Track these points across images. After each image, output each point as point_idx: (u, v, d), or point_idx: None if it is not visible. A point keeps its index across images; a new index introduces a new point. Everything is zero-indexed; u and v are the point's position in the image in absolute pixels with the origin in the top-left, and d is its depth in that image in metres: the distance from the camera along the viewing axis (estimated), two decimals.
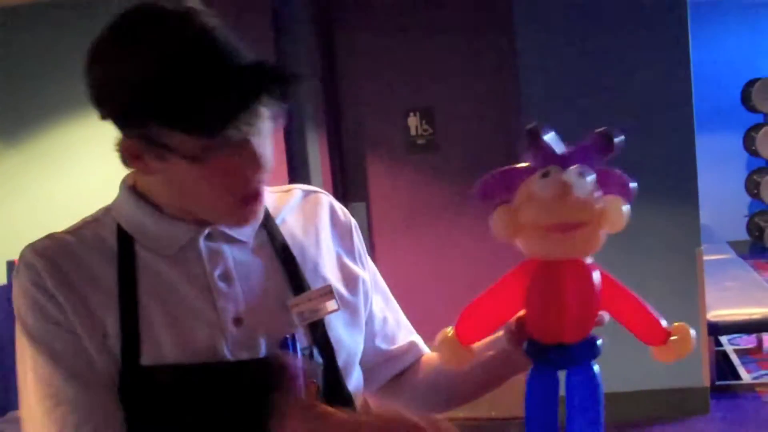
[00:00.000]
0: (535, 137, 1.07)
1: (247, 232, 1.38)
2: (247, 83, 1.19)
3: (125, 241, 1.33)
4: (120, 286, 1.29)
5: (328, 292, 1.37)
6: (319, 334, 1.36)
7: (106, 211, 1.39)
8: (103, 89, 1.26)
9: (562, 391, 1.13)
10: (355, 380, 1.44)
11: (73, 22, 6.18)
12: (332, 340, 1.38)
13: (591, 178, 1.07)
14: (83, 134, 6.24)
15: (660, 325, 1.15)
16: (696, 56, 5.15)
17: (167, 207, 1.33)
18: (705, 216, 5.30)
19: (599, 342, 1.13)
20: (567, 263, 1.09)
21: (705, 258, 5.16)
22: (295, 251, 1.41)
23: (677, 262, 5.07)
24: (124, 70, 1.22)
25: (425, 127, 5.63)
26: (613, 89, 5.08)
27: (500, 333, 1.31)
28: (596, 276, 1.11)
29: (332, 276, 1.43)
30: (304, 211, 1.49)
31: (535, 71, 5.13)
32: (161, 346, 1.27)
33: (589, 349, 1.13)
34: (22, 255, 1.32)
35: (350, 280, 1.47)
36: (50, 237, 1.36)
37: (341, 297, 1.41)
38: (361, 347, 1.47)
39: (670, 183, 5.03)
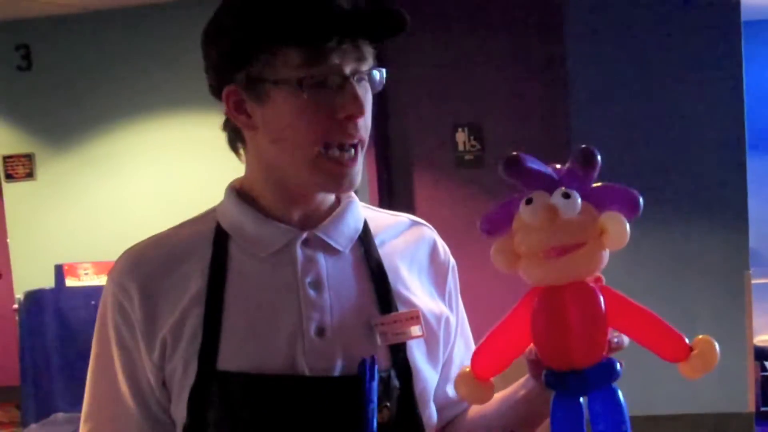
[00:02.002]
0: (514, 166, 1.06)
1: (344, 241, 1.37)
2: (350, 10, 1.22)
3: (221, 240, 1.34)
4: (209, 282, 1.30)
5: (415, 317, 1.35)
6: (399, 358, 1.34)
7: (210, 211, 1.40)
8: (212, 38, 1.29)
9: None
10: (428, 413, 1.40)
11: (126, 28, 6.26)
12: (411, 367, 1.35)
13: (576, 198, 1.06)
14: (133, 140, 6.32)
15: (679, 339, 1.10)
16: (749, 74, 5.09)
17: (270, 207, 1.34)
18: (754, 239, 5.23)
19: (617, 365, 1.10)
20: (567, 287, 1.07)
21: (753, 281, 5.09)
22: (388, 273, 1.39)
23: (725, 285, 5.01)
24: (232, 8, 1.27)
25: (473, 142, 5.62)
26: (663, 107, 5.04)
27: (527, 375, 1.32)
28: (599, 296, 1.08)
29: (420, 305, 1.40)
30: (406, 239, 1.47)
31: (585, 89, 5.10)
32: (240, 348, 1.27)
33: (606, 372, 1.10)
34: (120, 258, 1.35)
35: (436, 315, 1.43)
36: (148, 239, 1.37)
37: (426, 326, 1.38)
38: (435, 383, 1.43)
39: (719, 204, 4.97)
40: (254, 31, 1.22)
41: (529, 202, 1.06)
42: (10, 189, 6.53)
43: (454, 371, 1.49)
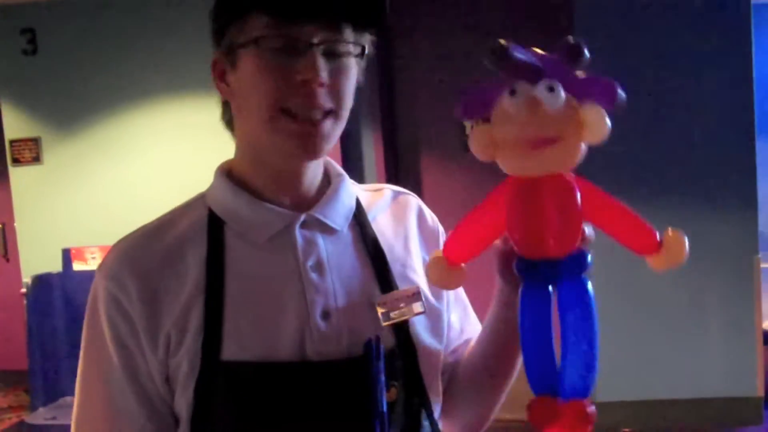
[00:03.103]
0: (502, 54, 1.04)
1: (340, 221, 1.35)
2: None
3: (216, 227, 1.31)
4: (207, 274, 1.28)
5: (416, 293, 1.34)
6: (403, 336, 1.33)
7: (200, 198, 1.37)
8: (212, 8, 1.29)
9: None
10: (435, 387, 1.40)
11: (131, 13, 6.25)
12: (415, 343, 1.34)
13: (560, 92, 1.05)
14: (139, 124, 6.32)
15: (651, 233, 1.10)
16: (758, 60, 5.07)
17: (261, 189, 1.32)
18: (763, 224, 5.22)
19: (588, 256, 1.11)
20: (546, 178, 1.07)
21: (762, 266, 5.08)
22: (384, 250, 1.38)
23: (734, 270, 5.00)
24: None
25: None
26: (672, 92, 5.02)
27: (496, 289, 1.31)
28: (576, 189, 1.08)
29: (419, 279, 1.39)
30: (393, 211, 1.46)
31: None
32: (244, 337, 1.25)
33: (578, 262, 1.10)
34: (111, 252, 1.31)
35: (434, 289, 1.42)
36: (139, 231, 1.33)
37: (427, 301, 1.37)
38: (441, 356, 1.43)
39: (728, 189, 4.96)
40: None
41: (512, 93, 1.05)
42: (17, 173, 6.53)
43: (454, 337, 1.50)
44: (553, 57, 1.06)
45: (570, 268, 1.10)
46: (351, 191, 1.41)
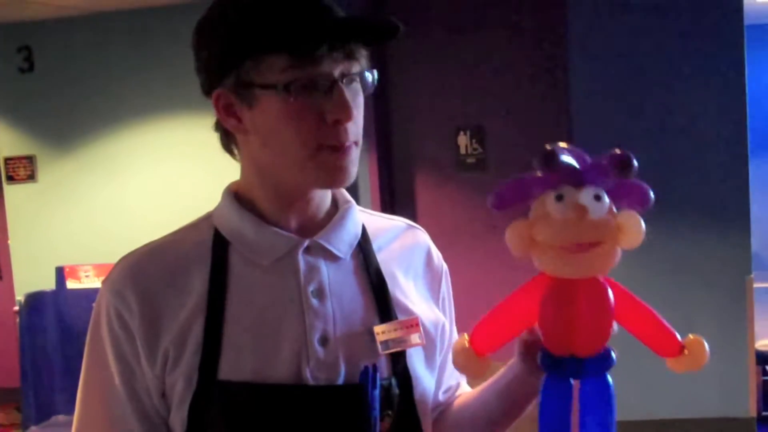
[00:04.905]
0: (551, 159, 1.07)
1: (344, 248, 1.36)
2: (342, 18, 1.23)
3: (220, 247, 1.32)
4: (209, 293, 1.28)
5: (415, 324, 1.35)
6: (400, 366, 1.34)
7: (206, 217, 1.38)
8: (204, 39, 1.28)
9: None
10: (427, 419, 1.41)
11: (127, 31, 6.26)
12: (411, 374, 1.35)
13: (606, 201, 1.08)
14: (135, 142, 6.32)
15: (674, 337, 1.16)
16: (751, 78, 5.09)
17: (267, 212, 1.33)
18: (756, 243, 5.23)
19: (613, 354, 1.14)
20: (581, 281, 1.10)
21: (755, 285, 5.09)
22: (386, 280, 1.39)
23: (727, 289, 5.00)
24: (224, 10, 1.26)
25: (475, 146, 5.62)
26: (665, 110, 5.03)
27: (512, 361, 1.32)
28: (610, 293, 1.11)
29: (418, 312, 1.40)
30: (402, 242, 1.47)
31: (587, 93, 5.10)
32: (242, 358, 1.26)
33: (603, 362, 1.13)
34: (116, 267, 1.32)
35: (434, 322, 1.44)
36: (146, 247, 1.35)
37: (425, 333, 1.38)
38: (433, 389, 1.45)
39: (721, 208, 4.97)
40: (244, 36, 1.22)
41: (559, 198, 1.07)
42: (12, 191, 6.52)
43: (447, 376, 1.52)
44: (598, 163, 1.09)
45: (595, 367, 1.13)
46: (357, 219, 1.41)
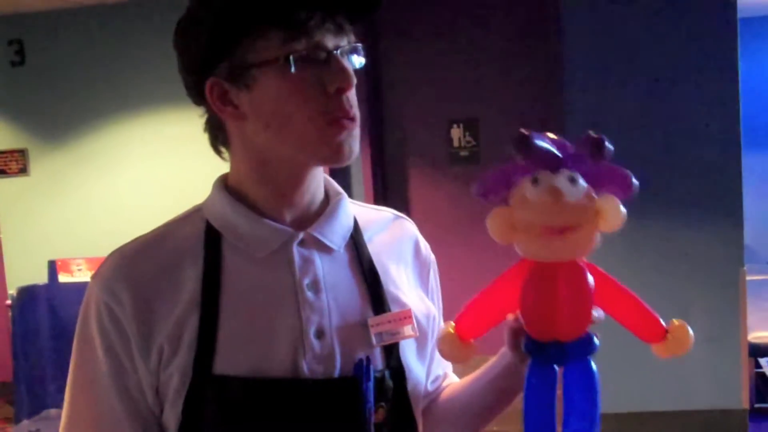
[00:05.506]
0: (524, 143, 1.07)
1: (338, 240, 1.36)
2: None
3: (213, 241, 1.31)
4: (203, 287, 1.27)
5: (408, 316, 1.35)
6: (393, 358, 1.34)
7: (196, 210, 1.37)
8: (189, 33, 1.27)
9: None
10: (420, 411, 1.42)
11: (119, 24, 6.25)
12: (404, 366, 1.36)
13: (582, 183, 1.08)
14: (127, 135, 6.32)
15: (657, 323, 1.16)
16: (745, 72, 5.09)
17: (261, 205, 1.32)
18: (748, 236, 5.24)
19: (596, 339, 1.15)
20: (561, 264, 1.11)
21: (748, 278, 5.10)
22: (379, 272, 1.39)
23: (720, 282, 5.01)
24: (205, 2, 1.25)
25: (468, 138, 5.62)
26: (659, 104, 5.03)
27: (502, 350, 1.34)
28: (590, 277, 1.12)
29: (410, 304, 1.40)
30: (391, 233, 1.47)
31: (581, 86, 5.10)
32: (238, 353, 1.25)
33: (585, 346, 1.14)
34: (107, 261, 1.30)
35: (425, 314, 1.44)
36: (136, 242, 1.33)
37: (417, 325, 1.38)
38: (425, 380, 1.46)
39: (714, 201, 4.97)
40: (234, 18, 1.21)
41: (535, 182, 1.08)
42: (3, 184, 6.52)
43: (435, 366, 1.52)
44: (573, 146, 1.10)
45: (577, 352, 1.14)
46: (349, 211, 1.41)
